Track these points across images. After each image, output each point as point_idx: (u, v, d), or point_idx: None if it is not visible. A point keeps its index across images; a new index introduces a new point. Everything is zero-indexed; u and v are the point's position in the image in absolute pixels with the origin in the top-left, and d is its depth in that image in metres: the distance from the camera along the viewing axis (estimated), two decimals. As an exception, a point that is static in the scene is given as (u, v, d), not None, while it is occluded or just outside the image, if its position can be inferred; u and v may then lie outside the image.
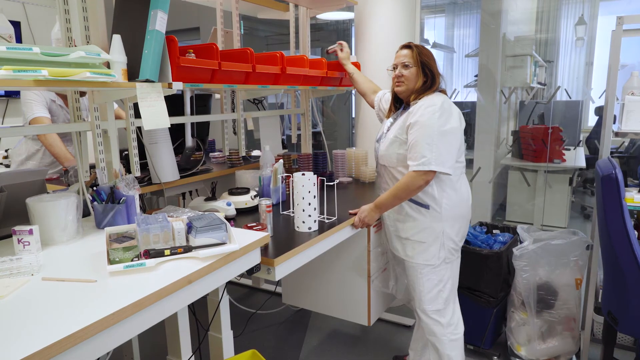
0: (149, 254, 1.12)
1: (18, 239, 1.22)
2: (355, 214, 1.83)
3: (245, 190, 1.97)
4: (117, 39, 1.36)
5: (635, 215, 1.98)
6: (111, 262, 1.10)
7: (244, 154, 2.43)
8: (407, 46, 1.78)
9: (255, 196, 1.96)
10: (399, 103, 1.87)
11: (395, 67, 1.79)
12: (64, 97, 2.41)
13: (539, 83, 5.52)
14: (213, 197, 1.92)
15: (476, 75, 5.51)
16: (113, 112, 1.65)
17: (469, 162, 4.69)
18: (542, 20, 6.04)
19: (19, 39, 3.34)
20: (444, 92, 1.79)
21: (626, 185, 2.12)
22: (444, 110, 1.65)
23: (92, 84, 1.28)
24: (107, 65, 1.39)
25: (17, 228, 1.22)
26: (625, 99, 1.90)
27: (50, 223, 1.29)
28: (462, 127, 1.73)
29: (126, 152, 1.88)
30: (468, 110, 5.55)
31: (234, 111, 2.49)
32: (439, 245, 1.76)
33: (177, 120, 2.06)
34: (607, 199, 1.36)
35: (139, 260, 1.09)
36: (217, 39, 2.33)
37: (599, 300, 1.94)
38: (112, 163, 1.65)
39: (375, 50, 2.69)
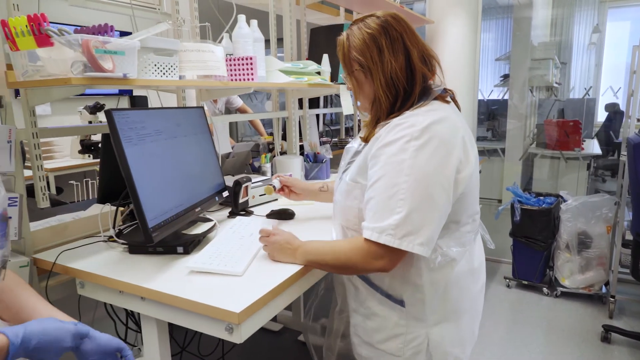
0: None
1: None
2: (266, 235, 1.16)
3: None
4: (325, 57, 2.13)
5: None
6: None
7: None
8: (338, 40, 1.11)
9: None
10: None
11: None
12: (211, 95, 3.20)
13: (556, 82, 6.31)
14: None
15: (502, 76, 6.31)
16: (297, 104, 2.43)
17: (493, 152, 5.50)
18: (556, 25, 6.79)
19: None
20: (443, 98, 1.05)
21: None
22: (431, 139, 0.94)
23: (320, 85, 2.05)
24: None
25: (281, 173, 2.00)
26: (643, 95, 2.68)
27: (293, 172, 2.06)
28: (471, 167, 1.01)
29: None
30: (496, 107, 6.35)
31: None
32: None
33: (317, 111, 2.85)
34: (638, 156, 2.13)
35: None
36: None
37: (625, 238, 2.71)
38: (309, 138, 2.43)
39: (449, 65, 3.42)
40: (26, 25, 1.00)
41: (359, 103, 1.13)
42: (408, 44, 1.04)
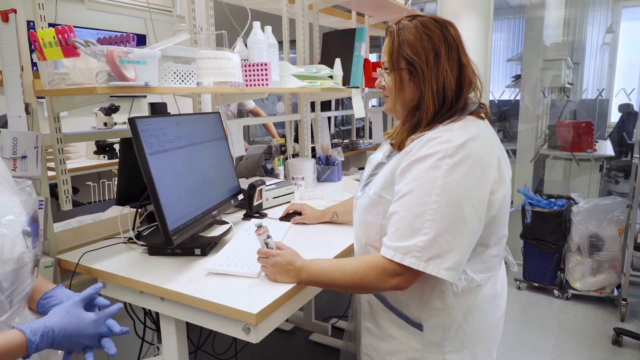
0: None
1: (295, 182, 2.03)
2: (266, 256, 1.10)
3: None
4: (338, 61, 2.16)
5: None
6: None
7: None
8: (388, 30, 1.03)
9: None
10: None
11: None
12: (225, 97, 3.24)
13: (568, 83, 6.26)
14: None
15: (513, 77, 6.28)
16: (309, 107, 2.46)
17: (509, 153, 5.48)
18: (569, 25, 6.73)
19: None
20: (477, 114, 1.01)
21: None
22: (466, 157, 0.91)
23: (333, 89, 2.08)
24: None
25: (294, 175, 2.03)
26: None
27: (306, 174, 2.10)
28: (505, 188, 0.97)
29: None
30: (507, 108, 6.33)
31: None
32: None
33: (329, 114, 2.88)
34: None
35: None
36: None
37: (637, 241, 2.71)
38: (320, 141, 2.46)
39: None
40: (54, 37, 1.04)
41: (390, 101, 1.04)
42: (462, 58, 1.01)
